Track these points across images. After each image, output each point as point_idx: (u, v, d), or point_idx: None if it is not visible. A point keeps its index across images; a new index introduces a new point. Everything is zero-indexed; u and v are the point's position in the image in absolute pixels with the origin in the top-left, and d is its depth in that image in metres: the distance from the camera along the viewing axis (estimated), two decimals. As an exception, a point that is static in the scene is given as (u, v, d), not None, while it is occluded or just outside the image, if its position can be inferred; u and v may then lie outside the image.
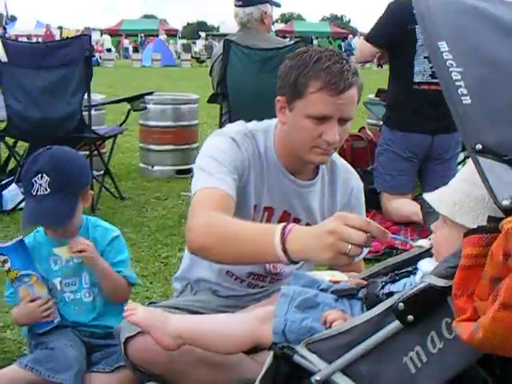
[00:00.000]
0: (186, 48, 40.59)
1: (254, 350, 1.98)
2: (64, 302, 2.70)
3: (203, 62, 34.49)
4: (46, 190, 2.54)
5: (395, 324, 1.49)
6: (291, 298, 1.72)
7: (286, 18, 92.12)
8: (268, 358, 1.73)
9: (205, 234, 1.99)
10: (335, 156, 2.49)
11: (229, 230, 1.97)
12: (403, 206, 5.03)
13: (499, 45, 1.47)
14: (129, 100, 6.48)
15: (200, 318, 2.14)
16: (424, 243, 1.78)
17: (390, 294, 1.61)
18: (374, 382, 1.54)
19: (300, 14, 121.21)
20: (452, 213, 1.54)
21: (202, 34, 49.42)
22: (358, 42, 11.79)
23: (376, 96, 6.92)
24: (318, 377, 1.58)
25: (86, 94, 5.48)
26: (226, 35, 5.70)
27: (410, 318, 1.46)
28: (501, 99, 1.40)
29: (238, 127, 2.40)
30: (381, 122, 5.54)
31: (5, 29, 33.71)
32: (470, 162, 1.42)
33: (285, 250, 1.78)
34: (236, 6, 5.15)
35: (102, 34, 42.27)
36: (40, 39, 28.45)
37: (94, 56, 6.74)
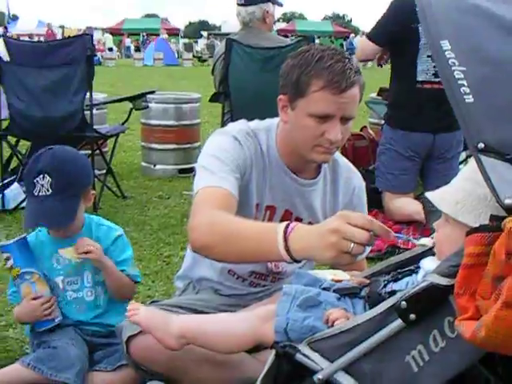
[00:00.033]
0: (188, 47, 40.62)
1: (256, 348, 1.99)
2: (66, 300, 2.71)
3: (205, 61, 34.48)
4: (48, 190, 2.54)
5: (397, 323, 1.49)
6: (293, 296, 1.72)
7: (287, 17, 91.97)
8: (270, 356, 1.73)
9: (207, 233, 1.99)
10: (337, 155, 2.49)
11: (231, 228, 1.97)
12: (405, 205, 5.02)
13: (501, 44, 1.47)
14: (131, 99, 6.48)
15: (202, 317, 2.14)
16: (427, 242, 1.78)
17: (393, 293, 1.61)
18: (377, 380, 1.54)
19: (302, 13, 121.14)
20: (454, 211, 1.54)
21: (204, 34, 49.33)
22: (359, 40, 11.78)
23: (378, 95, 6.91)
24: (320, 375, 1.59)
25: (87, 93, 5.48)
26: (227, 34, 5.70)
27: (413, 316, 1.46)
28: (503, 98, 1.40)
29: (240, 126, 2.40)
30: (382, 121, 5.53)
31: (6, 28, 33.74)
32: (472, 160, 1.42)
33: (287, 249, 1.78)
34: (238, 4, 5.15)
35: (103, 33, 42.23)
36: (42, 38, 28.43)
37: (95, 55, 6.74)
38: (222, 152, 2.26)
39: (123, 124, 6.60)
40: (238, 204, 2.18)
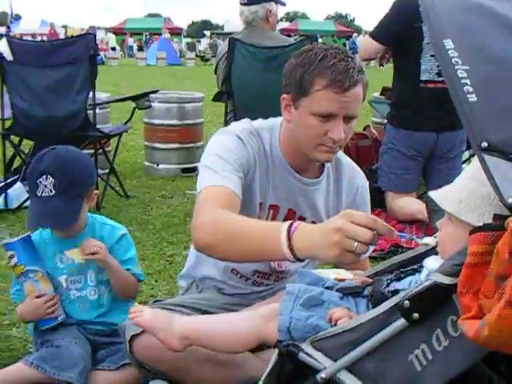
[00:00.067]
0: (191, 47, 40.64)
1: (259, 347, 1.99)
2: (69, 299, 2.71)
3: (208, 60, 34.49)
4: (51, 191, 2.54)
5: (401, 322, 1.49)
6: (296, 295, 1.73)
7: (290, 17, 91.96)
8: (273, 355, 1.73)
9: (211, 232, 1.99)
10: (341, 154, 2.49)
11: (234, 227, 1.97)
12: (408, 205, 5.02)
13: (504, 43, 1.47)
14: (134, 98, 6.48)
15: (205, 318, 2.15)
16: (430, 241, 1.78)
17: (396, 292, 1.61)
18: (380, 379, 1.54)
19: (305, 13, 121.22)
20: (458, 210, 1.54)
21: (207, 33, 49.35)
22: (362, 40, 11.77)
23: (381, 94, 6.90)
24: (323, 374, 1.59)
25: (90, 93, 5.48)
26: (230, 34, 5.70)
27: (416, 315, 1.46)
28: (506, 97, 1.40)
29: (243, 125, 2.40)
30: (385, 121, 5.53)
31: (9, 28, 33.78)
32: (475, 159, 1.42)
33: (291, 248, 1.78)
34: (241, 4, 5.15)
35: (106, 33, 42.27)
36: (44, 38, 28.42)
37: (98, 54, 6.72)
38: (225, 151, 2.26)
39: (126, 123, 6.60)
40: (241, 203, 2.18)
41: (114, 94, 9.01)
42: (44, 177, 2.54)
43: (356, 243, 1.66)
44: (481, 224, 1.36)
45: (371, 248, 1.78)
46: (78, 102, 5.39)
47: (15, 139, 5.87)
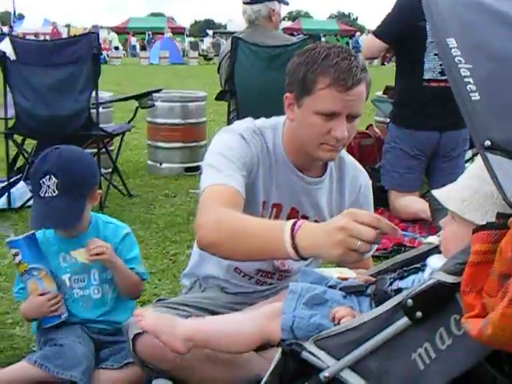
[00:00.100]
0: (194, 46, 40.60)
1: (262, 346, 1.99)
2: (73, 298, 2.71)
3: (211, 59, 34.49)
4: (54, 191, 2.54)
5: (404, 320, 1.49)
6: (299, 294, 1.73)
7: (293, 16, 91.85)
8: (276, 354, 1.73)
9: (214, 230, 2.00)
10: (344, 153, 2.49)
11: (238, 226, 1.98)
12: (411, 204, 5.01)
13: (505, 40, 1.47)
14: (137, 97, 6.49)
15: (208, 319, 2.14)
16: (434, 240, 1.78)
17: (399, 291, 1.61)
18: (383, 378, 1.54)
19: (307, 12, 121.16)
20: (461, 209, 1.54)
21: (210, 32, 49.34)
22: (365, 38, 11.74)
23: (384, 93, 6.89)
24: (326, 373, 1.59)
25: (93, 92, 5.48)
26: (233, 33, 5.70)
27: (419, 314, 1.46)
28: (508, 95, 1.40)
29: (246, 124, 2.40)
30: (388, 120, 5.53)
31: (11, 27, 33.81)
32: (478, 158, 1.42)
33: (294, 246, 1.78)
34: (244, 3, 5.16)
35: (109, 32, 42.23)
36: (47, 37, 28.47)
37: (101, 54, 6.72)
38: (228, 150, 2.26)
39: (129, 122, 6.61)
40: (244, 202, 2.18)
41: (117, 94, 9.01)
42: (47, 177, 2.55)
43: (360, 242, 1.66)
44: (484, 223, 1.36)
45: (374, 247, 1.78)
46: (81, 101, 5.39)
47: (18, 138, 5.88)
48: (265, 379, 1.75)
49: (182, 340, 1.98)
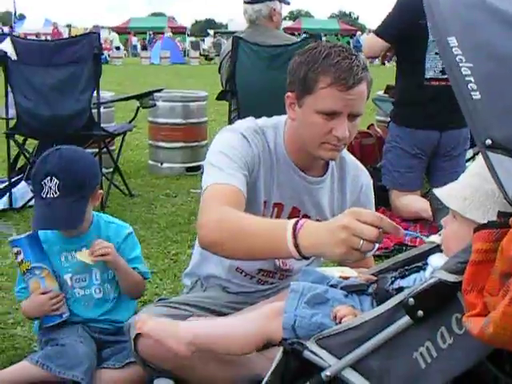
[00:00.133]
0: (195, 45, 40.61)
1: (264, 346, 1.98)
2: (74, 297, 2.71)
3: (211, 59, 34.48)
4: (56, 193, 2.54)
5: (405, 319, 1.49)
6: (301, 293, 1.73)
7: (294, 16, 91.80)
8: (278, 353, 1.73)
9: (216, 230, 2.00)
10: (345, 153, 2.49)
11: (240, 225, 1.98)
12: (412, 203, 5.01)
13: (505, 39, 1.47)
14: (138, 97, 6.49)
15: (210, 322, 2.14)
16: (436, 239, 1.78)
17: (400, 290, 1.61)
18: (385, 377, 1.54)
19: (308, 11, 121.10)
20: (462, 208, 1.54)
21: (211, 32, 49.31)
22: (366, 37, 11.74)
23: (385, 93, 6.89)
24: (328, 372, 1.59)
25: (95, 92, 5.48)
26: (234, 33, 5.71)
27: (420, 313, 1.46)
28: (509, 94, 1.40)
29: (247, 123, 2.40)
30: (389, 119, 5.53)
31: (12, 27, 33.81)
32: (479, 157, 1.42)
33: (296, 246, 1.78)
34: (245, 2, 5.16)
35: (110, 32, 42.21)
36: (48, 37, 28.46)
37: (102, 54, 6.72)
38: (229, 149, 2.26)
39: (130, 122, 6.61)
40: (245, 201, 2.18)
41: (119, 93, 9.02)
42: (48, 178, 2.55)
43: (362, 241, 1.67)
44: (485, 221, 1.36)
45: (376, 246, 1.78)
46: (83, 101, 5.39)
47: (19, 138, 5.88)
48: (266, 378, 1.75)
49: (184, 343, 1.97)
